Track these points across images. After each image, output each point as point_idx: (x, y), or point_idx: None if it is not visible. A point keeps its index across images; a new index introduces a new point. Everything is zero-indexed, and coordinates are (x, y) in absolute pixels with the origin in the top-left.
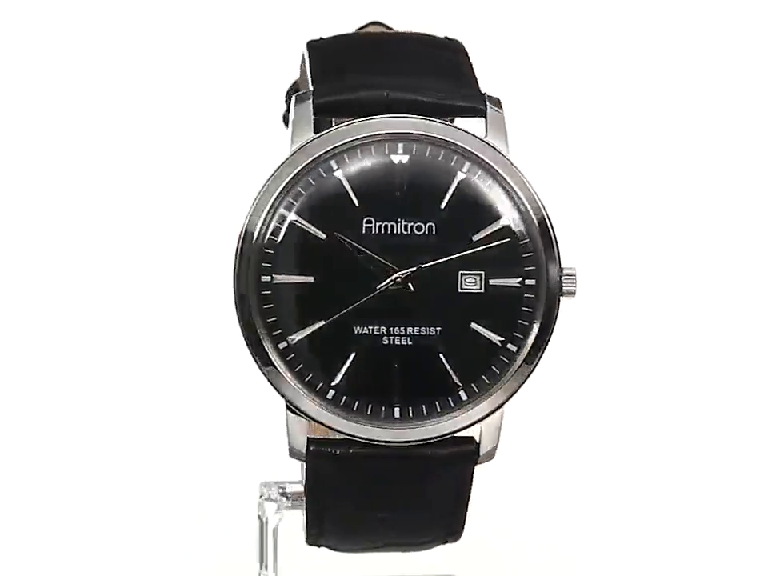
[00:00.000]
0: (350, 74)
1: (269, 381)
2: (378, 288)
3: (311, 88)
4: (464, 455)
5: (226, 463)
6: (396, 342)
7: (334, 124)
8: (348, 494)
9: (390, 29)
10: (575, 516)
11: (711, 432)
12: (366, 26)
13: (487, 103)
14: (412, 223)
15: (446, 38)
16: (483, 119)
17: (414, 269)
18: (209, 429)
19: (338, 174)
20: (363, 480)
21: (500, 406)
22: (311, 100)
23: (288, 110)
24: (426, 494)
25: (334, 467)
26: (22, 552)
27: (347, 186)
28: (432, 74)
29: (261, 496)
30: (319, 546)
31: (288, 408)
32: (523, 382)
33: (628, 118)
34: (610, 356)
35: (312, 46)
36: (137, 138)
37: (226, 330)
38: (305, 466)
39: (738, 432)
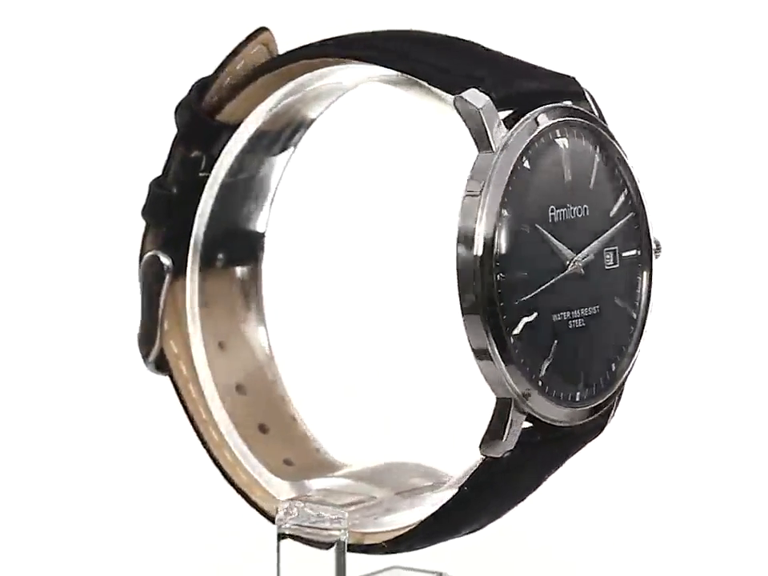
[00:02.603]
0: (480, 70)
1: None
2: (566, 275)
3: (433, 85)
4: (598, 427)
5: None
6: (577, 326)
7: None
8: (512, 485)
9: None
10: (575, 516)
11: (715, 431)
12: (256, 32)
13: (582, 86)
14: (575, 207)
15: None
16: (580, 102)
17: (594, 253)
18: None
19: (527, 165)
20: (533, 466)
21: (628, 374)
22: (489, 97)
23: (215, 107)
24: (554, 473)
25: (519, 456)
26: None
27: (537, 179)
28: (522, 67)
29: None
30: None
31: (513, 404)
32: (638, 348)
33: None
34: None
35: (396, 41)
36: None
37: None
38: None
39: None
